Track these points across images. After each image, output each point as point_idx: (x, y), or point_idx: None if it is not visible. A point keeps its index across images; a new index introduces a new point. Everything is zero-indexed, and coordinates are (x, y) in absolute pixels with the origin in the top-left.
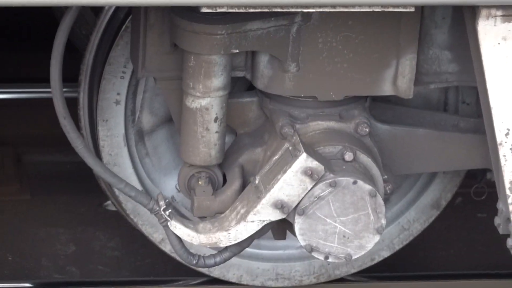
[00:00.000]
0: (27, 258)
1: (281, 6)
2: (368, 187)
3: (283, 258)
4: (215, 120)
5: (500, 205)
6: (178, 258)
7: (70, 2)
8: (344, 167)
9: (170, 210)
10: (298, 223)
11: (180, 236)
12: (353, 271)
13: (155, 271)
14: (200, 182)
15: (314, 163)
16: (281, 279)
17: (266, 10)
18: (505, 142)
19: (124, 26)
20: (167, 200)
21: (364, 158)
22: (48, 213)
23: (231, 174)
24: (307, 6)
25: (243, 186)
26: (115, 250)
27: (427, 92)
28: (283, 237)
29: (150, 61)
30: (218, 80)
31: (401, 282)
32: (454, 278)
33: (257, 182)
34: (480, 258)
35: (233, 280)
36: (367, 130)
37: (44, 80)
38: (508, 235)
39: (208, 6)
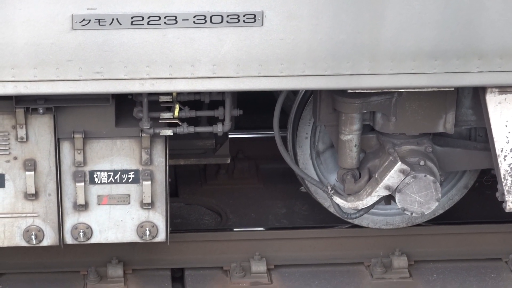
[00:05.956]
0: None
1: (387, 88)
2: (431, 178)
3: (389, 214)
4: (355, 145)
5: (498, 186)
6: (337, 214)
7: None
8: (420, 168)
9: (333, 191)
10: (397, 196)
11: (338, 203)
12: (424, 220)
13: (325, 221)
14: (348, 176)
15: (404, 166)
16: (389, 225)
17: (379, 91)
18: (499, 155)
19: (309, 100)
20: (331, 185)
21: (429, 164)
22: None
23: (363, 172)
24: (399, 88)
25: (369, 178)
26: (305, 210)
27: (461, 129)
28: (389, 203)
29: (322, 117)
30: (356, 126)
31: (447, 225)
32: (472, 223)
33: (376, 176)
34: (487, 212)
35: (364, 225)
36: (430, 149)
37: (269, 127)
38: (503, 201)
39: (351, 89)
